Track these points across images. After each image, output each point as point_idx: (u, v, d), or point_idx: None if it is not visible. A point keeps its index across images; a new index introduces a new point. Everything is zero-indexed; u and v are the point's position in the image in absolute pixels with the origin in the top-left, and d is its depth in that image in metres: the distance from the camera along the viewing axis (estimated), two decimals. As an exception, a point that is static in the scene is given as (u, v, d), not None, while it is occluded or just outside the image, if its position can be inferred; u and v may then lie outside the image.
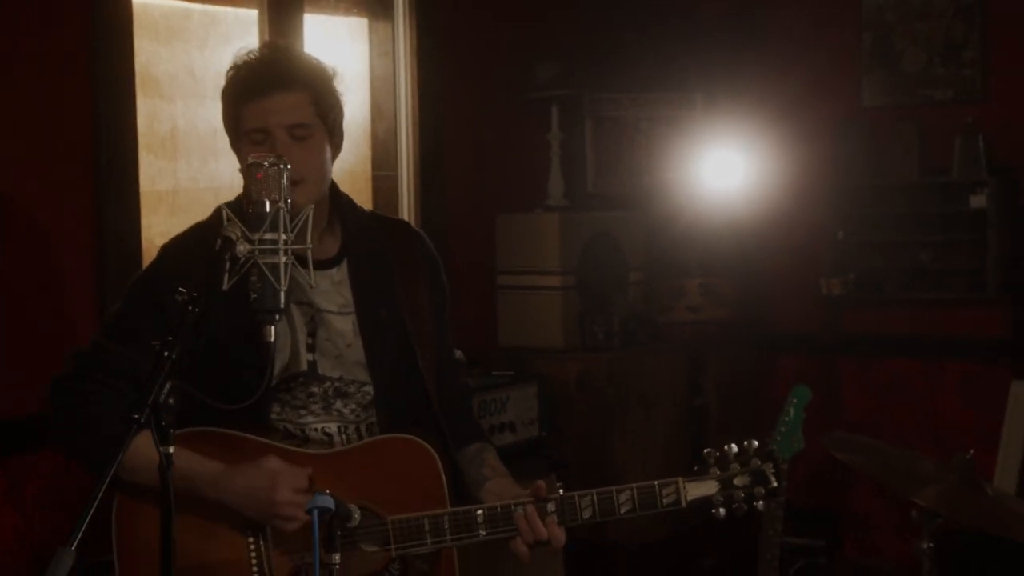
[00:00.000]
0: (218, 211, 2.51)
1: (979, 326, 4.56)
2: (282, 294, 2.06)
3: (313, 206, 2.21)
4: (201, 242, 2.40)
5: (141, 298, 2.38)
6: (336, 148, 2.46)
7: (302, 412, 2.43)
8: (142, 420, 1.85)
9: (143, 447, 2.08)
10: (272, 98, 2.33)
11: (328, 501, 2.02)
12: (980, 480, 3.07)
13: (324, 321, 2.44)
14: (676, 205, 4.68)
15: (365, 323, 2.47)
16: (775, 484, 2.53)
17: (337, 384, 2.46)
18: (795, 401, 3.78)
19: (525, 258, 4.37)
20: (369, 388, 2.46)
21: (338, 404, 2.45)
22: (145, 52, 3.48)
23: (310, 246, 2.16)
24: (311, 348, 2.44)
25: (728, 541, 4.45)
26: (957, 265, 4.51)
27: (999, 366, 4.48)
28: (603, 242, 4.45)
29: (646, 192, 4.69)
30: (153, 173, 3.54)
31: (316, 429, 2.43)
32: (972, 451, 3.13)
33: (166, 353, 1.92)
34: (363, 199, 3.98)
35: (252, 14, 3.79)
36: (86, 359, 2.35)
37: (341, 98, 2.46)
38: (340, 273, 2.48)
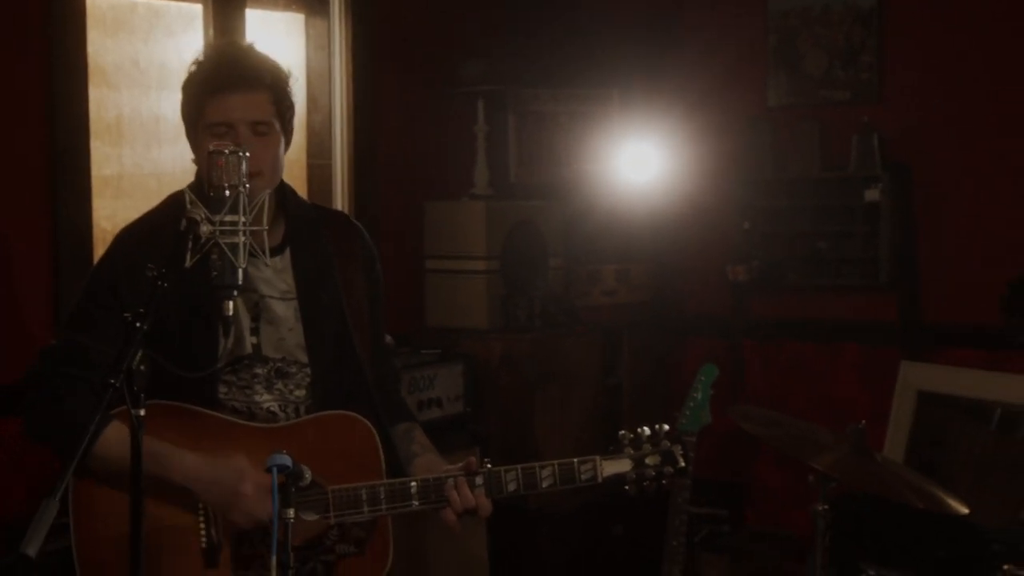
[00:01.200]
0: (169, 199, 2.63)
1: (872, 311, 4.62)
2: (241, 271, 2.17)
3: (269, 192, 2.33)
4: (152, 230, 2.49)
5: (98, 290, 2.45)
6: (288, 144, 2.55)
7: (248, 391, 2.51)
8: (117, 384, 1.99)
9: (114, 436, 2.24)
10: (237, 95, 2.41)
11: (286, 459, 2.13)
12: (870, 448, 3.28)
13: (267, 306, 2.52)
14: (594, 195, 4.74)
15: (306, 309, 2.55)
16: (683, 464, 2.63)
17: (279, 365, 2.54)
18: (703, 379, 3.98)
19: (452, 244, 4.38)
20: (308, 370, 2.55)
21: (279, 384, 2.53)
22: (93, 43, 3.51)
23: (266, 228, 2.29)
24: (255, 331, 2.52)
25: (638, 511, 4.57)
26: (852, 254, 4.55)
27: (889, 348, 4.54)
28: (525, 229, 4.46)
29: (566, 182, 4.75)
30: (100, 159, 3.57)
31: (261, 407, 2.51)
32: (864, 422, 3.33)
33: (138, 324, 2.05)
34: (298, 186, 3.91)
35: (196, 8, 3.82)
36: (56, 354, 2.41)
37: (294, 98, 2.55)
38: (283, 261, 2.56)
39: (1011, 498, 3.99)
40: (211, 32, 3.79)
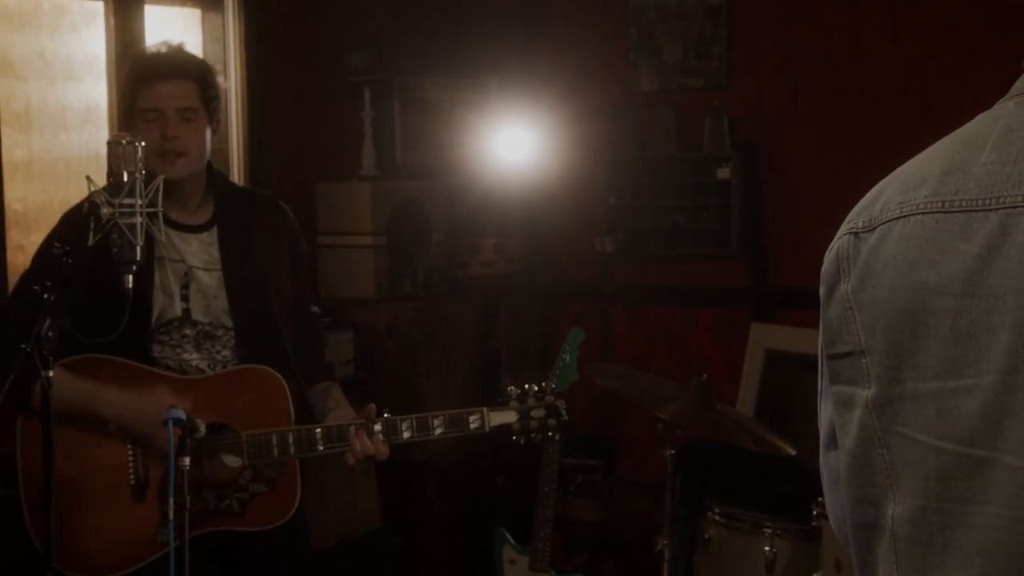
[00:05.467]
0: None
1: (725, 277, 4.73)
2: (138, 248, 2.31)
3: (163, 177, 2.46)
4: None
5: (41, 262, 2.61)
6: (214, 131, 2.72)
7: (178, 351, 2.66)
8: (28, 349, 2.15)
9: (56, 378, 2.34)
10: (166, 84, 2.59)
11: (180, 414, 2.29)
12: (711, 398, 3.48)
13: (195, 276, 2.68)
14: (473, 175, 4.78)
15: (229, 279, 2.70)
16: (565, 417, 2.80)
17: (207, 328, 2.68)
18: (570, 341, 4.16)
19: (341, 221, 4.39)
20: (233, 333, 2.70)
21: (207, 345, 2.68)
22: (1, 38, 3.53)
23: (160, 209, 2.42)
24: (184, 298, 2.67)
25: (519, 463, 4.59)
26: (707, 226, 4.64)
27: (741, 310, 4.68)
28: (410, 207, 4.49)
29: (447, 163, 4.77)
30: (10, 145, 3.59)
31: (191, 365, 2.66)
32: (705, 375, 3.54)
33: (45, 295, 2.21)
34: None
35: (97, 5, 3.82)
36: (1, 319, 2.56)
37: (221, 91, 2.73)
38: (211, 236, 2.72)
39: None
40: (112, 27, 3.81)
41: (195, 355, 2.69)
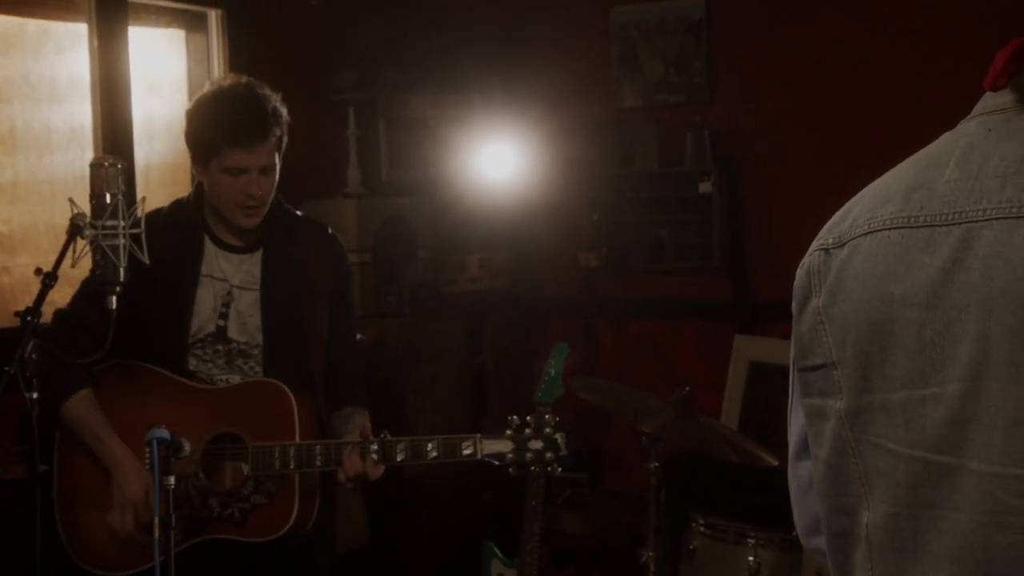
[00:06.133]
0: (174, 203, 2.89)
1: (708, 291, 4.71)
2: (121, 270, 2.34)
3: (144, 199, 2.46)
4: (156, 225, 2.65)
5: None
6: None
7: (210, 366, 2.74)
8: (12, 372, 2.16)
9: (76, 402, 2.63)
10: (255, 148, 2.65)
11: (164, 433, 2.30)
12: (694, 411, 3.48)
13: (235, 295, 2.75)
14: (458, 192, 4.78)
15: (265, 298, 2.77)
16: (564, 452, 2.77)
17: (242, 347, 2.75)
18: (556, 355, 4.17)
19: None
20: (262, 350, 2.76)
21: (239, 361, 2.75)
22: None
23: (143, 231, 2.45)
24: (223, 316, 2.74)
25: (506, 479, 4.77)
26: (689, 240, 4.63)
27: (724, 323, 4.66)
28: (395, 224, 4.49)
29: (433, 180, 4.78)
30: None
31: (222, 379, 2.73)
32: (688, 388, 3.55)
33: (29, 318, 2.21)
34: (182, 189, 3.98)
35: (81, 27, 3.84)
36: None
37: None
38: (255, 257, 2.80)
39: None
40: (96, 48, 3.81)
41: (226, 370, 2.76)
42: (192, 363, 2.74)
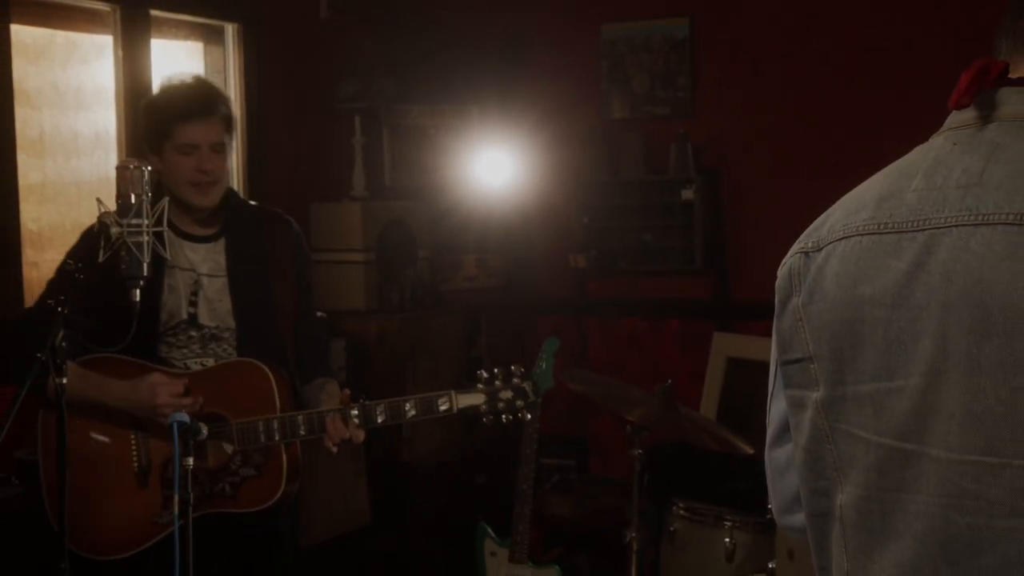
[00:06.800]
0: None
1: (689, 291, 4.73)
2: (145, 265, 2.36)
3: (167, 199, 2.51)
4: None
5: (58, 277, 2.67)
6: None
7: (184, 351, 2.72)
8: (44, 358, 2.17)
9: (72, 373, 2.41)
10: (202, 122, 2.65)
11: (185, 417, 2.34)
12: (676, 403, 3.51)
13: (202, 282, 2.73)
14: (457, 196, 4.79)
15: (233, 283, 2.75)
16: (533, 398, 2.80)
17: (213, 331, 2.73)
18: (547, 349, 4.18)
19: (334, 238, 4.39)
20: (235, 334, 2.75)
21: (212, 345, 2.73)
22: (18, 70, 3.56)
23: (165, 229, 2.47)
24: (193, 303, 2.71)
25: (497, 463, 4.66)
26: (673, 244, 4.64)
27: (704, 321, 4.68)
28: (397, 226, 4.50)
29: (432, 185, 4.78)
30: (25, 169, 3.62)
31: (196, 364, 2.71)
32: (670, 381, 3.58)
33: (60, 309, 2.23)
34: None
35: (107, 39, 3.86)
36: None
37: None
38: (218, 246, 2.78)
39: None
40: (120, 59, 3.83)
41: (200, 355, 2.73)
42: (164, 350, 2.71)
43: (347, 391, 2.76)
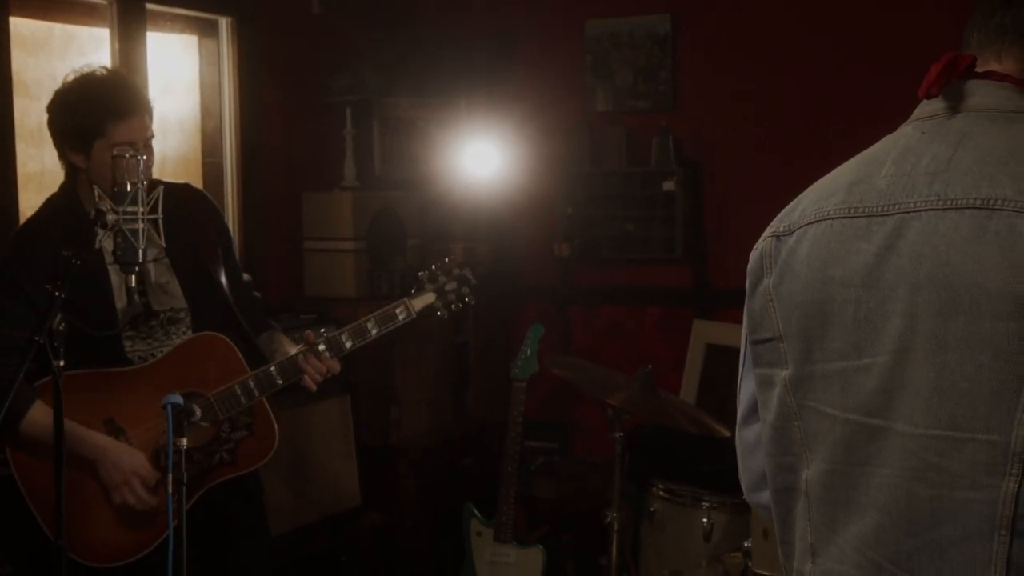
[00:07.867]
0: (46, 203, 2.75)
1: (670, 279, 4.74)
2: (140, 251, 2.37)
3: (163, 187, 2.50)
4: (38, 232, 2.63)
5: (3, 286, 2.56)
6: None
7: (149, 341, 2.66)
8: (41, 341, 2.17)
9: (38, 415, 2.40)
10: (137, 120, 2.59)
11: (178, 399, 2.32)
12: (656, 388, 3.53)
13: (147, 269, 2.66)
14: (445, 186, 4.79)
15: (176, 265, 2.70)
16: (475, 281, 2.86)
17: (169, 314, 2.69)
18: (532, 336, 4.21)
19: (325, 227, 4.39)
20: (189, 312, 2.71)
21: (172, 328, 2.68)
22: (17, 61, 3.53)
23: (160, 216, 2.47)
24: (142, 293, 2.66)
25: (483, 446, 4.70)
26: (654, 234, 4.65)
27: (684, 309, 4.70)
28: (387, 215, 4.50)
29: (421, 176, 4.78)
30: (24, 159, 3.59)
31: (163, 351, 2.66)
32: (650, 366, 3.59)
33: (56, 293, 2.23)
34: (195, 181, 4.04)
35: (104, 31, 3.83)
36: None
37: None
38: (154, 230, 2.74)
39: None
40: (117, 52, 3.82)
41: (164, 341, 2.69)
42: (128, 345, 2.65)
43: (309, 332, 2.75)
